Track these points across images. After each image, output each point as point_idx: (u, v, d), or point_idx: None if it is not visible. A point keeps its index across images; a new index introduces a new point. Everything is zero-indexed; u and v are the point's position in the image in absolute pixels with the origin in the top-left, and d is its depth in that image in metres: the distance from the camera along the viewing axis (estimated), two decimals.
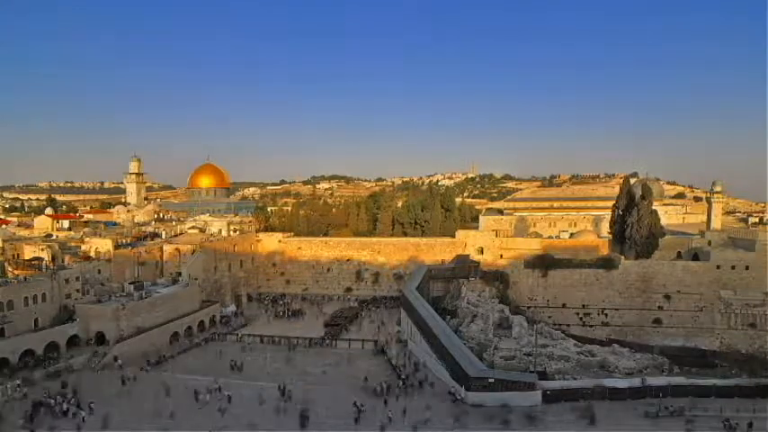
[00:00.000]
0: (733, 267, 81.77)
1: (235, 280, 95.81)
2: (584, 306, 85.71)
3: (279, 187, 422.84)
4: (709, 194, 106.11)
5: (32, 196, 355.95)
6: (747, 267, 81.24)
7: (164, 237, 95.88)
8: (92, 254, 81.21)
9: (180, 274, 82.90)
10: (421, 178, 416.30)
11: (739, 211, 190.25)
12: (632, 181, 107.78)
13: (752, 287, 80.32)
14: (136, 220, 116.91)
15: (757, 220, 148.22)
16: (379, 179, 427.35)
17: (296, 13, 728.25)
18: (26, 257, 75.32)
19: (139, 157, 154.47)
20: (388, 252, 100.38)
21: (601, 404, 45.81)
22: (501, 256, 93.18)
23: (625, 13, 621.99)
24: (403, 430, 42.38)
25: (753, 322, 79.43)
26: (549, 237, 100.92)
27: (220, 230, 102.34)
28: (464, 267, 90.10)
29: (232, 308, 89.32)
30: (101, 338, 64.41)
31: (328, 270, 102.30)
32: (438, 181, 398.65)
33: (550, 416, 43.66)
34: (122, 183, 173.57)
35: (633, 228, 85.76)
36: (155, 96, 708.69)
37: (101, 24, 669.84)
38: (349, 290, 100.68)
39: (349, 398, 48.49)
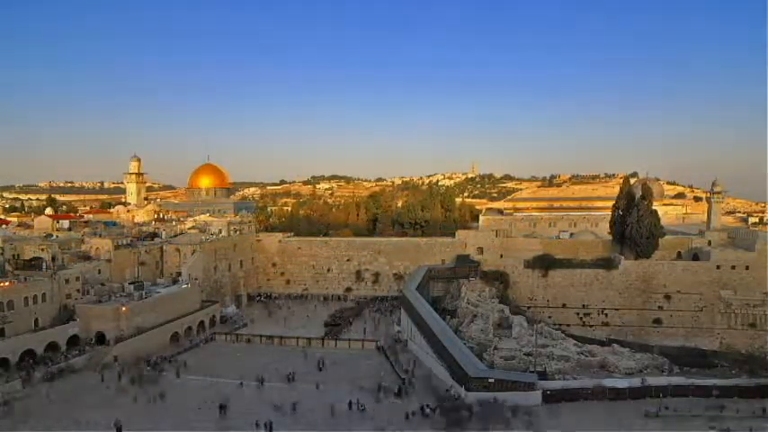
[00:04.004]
0: (733, 267, 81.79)
1: (235, 280, 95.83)
2: (584, 306, 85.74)
3: (279, 187, 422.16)
4: (709, 194, 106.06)
5: (32, 196, 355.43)
6: (747, 267, 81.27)
7: (164, 237, 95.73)
8: (92, 254, 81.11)
9: (180, 274, 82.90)
10: (421, 178, 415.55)
11: (739, 211, 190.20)
12: (632, 181, 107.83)
13: (752, 287, 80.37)
14: (136, 220, 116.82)
15: (757, 220, 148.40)
16: (379, 179, 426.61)
17: (295, 13, 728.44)
18: (26, 257, 75.19)
19: (139, 157, 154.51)
20: (388, 252, 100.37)
21: (601, 404, 45.95)
22: (501, 256, 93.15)
23: (625, 12, 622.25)
24: (402, 430, 42.39)
25: (753, 322, 79.48)
26: (549, 237, 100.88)
27: (220, 230, 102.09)
28: (464, 267, 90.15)
29: (232, 308, 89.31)
30: (101, 338, 64.44)
31: (328, 270, 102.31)
32: (438, 181, 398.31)
33: None
34: (122, 183, 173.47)
35: (633, 228, 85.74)
36: (155, 96, 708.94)
37: (100, 25, 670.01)
38: (349, 290, 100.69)
39: (349, 397, 48.53)
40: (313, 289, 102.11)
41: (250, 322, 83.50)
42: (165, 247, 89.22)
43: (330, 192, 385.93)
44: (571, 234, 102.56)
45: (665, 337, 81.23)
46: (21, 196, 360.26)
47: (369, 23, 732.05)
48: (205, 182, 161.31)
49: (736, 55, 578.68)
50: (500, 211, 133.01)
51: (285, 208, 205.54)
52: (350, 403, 47.01)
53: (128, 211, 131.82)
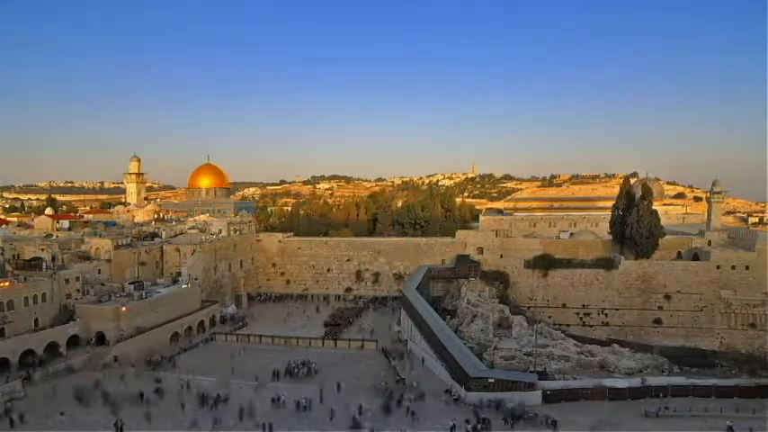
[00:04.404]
0: (733, 267, 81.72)
1: (235, 280, 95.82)
2: (584, 306, 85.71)
3: (279, 187, 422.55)
4: (709, 194, 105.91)
5: (32, 196, 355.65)
6: (747, 267, 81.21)
7: (164, 237, 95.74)
8: (92, 254, 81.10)
9: (180, 274, 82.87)
10: (421, 178, 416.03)
11: (739, 211, 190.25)
12: (632, 181, 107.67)
13: (752, 287, 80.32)
14: (136, 220, 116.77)
15: (757, 220, 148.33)
16: (379, 179, 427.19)
17: (294, 14, 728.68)
18: (26, 257, 75.17)
19: (139, 157, 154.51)
20: (388, 252, 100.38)
21: (601, 404, 45.93)
22: (501, 256, 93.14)
23: (625, 12, 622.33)
24: (402, 430, 42.35)
25: (753, 322, 79.45)
26: (549, 237, 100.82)
27: (220, 230, 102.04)
28: (464, 267, 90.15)
29: (232, 308, 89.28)
30: (101, 338, 64.41)
31: (328, 270, 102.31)
32: (438, 181, 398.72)
33: None
34: (122, 183, 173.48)
35: (633, 228, 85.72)
36: (155, 96, 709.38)
37: (100, 25, 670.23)
38: (349, 290, 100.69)
39: (348, 398, 48.52)
40: (313, 289, 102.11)
41: (250, 322, 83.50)
42: (165, 247, 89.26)
43: (330, 192, 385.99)
44: (571, 234, 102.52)
45: (665, 337, 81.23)
46: (21, 196, 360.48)
47: (369, 23, 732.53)
48: (205, 182, 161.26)
49: (736, 55, 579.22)
50: (500, 211, 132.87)
51: (285, 208, 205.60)
52: (348, 403, 46.95)
53: (128, 211, 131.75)
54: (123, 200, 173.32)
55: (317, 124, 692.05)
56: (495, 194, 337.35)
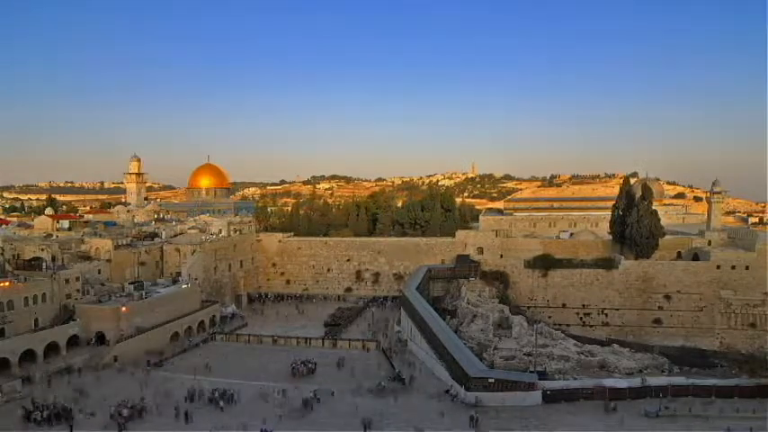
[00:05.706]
0: (733, 267, 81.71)
1: (235, 280, 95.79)
2: (584, 306, 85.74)
3: (279, 187, 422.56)
4: (709, 194, 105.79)
5: (32, 196, 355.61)
6: (747, 267, 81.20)
7: (164, 237, 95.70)
8: (92, 254, 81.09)
9: (180, 274, 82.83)
10: (421, 178, 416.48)
11: (739, 211, 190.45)
12: (632, 181, 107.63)
13: (752, 287, 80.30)
14: (136, 220, 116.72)
15: (757, 220, 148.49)
16: (379, 179, 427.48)
17: (294, 13, 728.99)
18: (26, 257, 75.14)
19: (139, 157, 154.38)
20: (388, 252, 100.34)
21: (601, 404, 45.91)
22: (501, 256, 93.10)
23: (625, 12, 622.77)
24: (402, 430, 42.36)
25: (753, 322, 79.47)
26: (549, 237, 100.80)
27: (220, 230, 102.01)
28: (464, 267, 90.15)
29: (232, 308, 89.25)
30: (101, 338, 64.39)
31: (328, 270, 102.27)
32: (438, 181, 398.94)
33: None
34: (122, 183, 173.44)
35: (633, 228, 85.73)
36: (155, 96, 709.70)
37: (101, 25, 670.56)
38: (349, 290, 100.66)
39: (348, 397, 48.52)
40: (313, 289, 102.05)
41: (250, 322, 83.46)
42: (164, 247, 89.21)
43: (330, 192, 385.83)
44: (571, 234, 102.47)
45: (665, 337, 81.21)
46: (21, 196, 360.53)
47: (369, 23, 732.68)
48: (205, 182, 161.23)
49: (736, 55, 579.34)
50: (500, 211, 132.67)
51: (285, 208, 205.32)
52: (348, 403, 46.95)
53: (128, 211, 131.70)
54: (123, 200, 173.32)
55: (317, 124, 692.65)
56: (495, 194, 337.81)
